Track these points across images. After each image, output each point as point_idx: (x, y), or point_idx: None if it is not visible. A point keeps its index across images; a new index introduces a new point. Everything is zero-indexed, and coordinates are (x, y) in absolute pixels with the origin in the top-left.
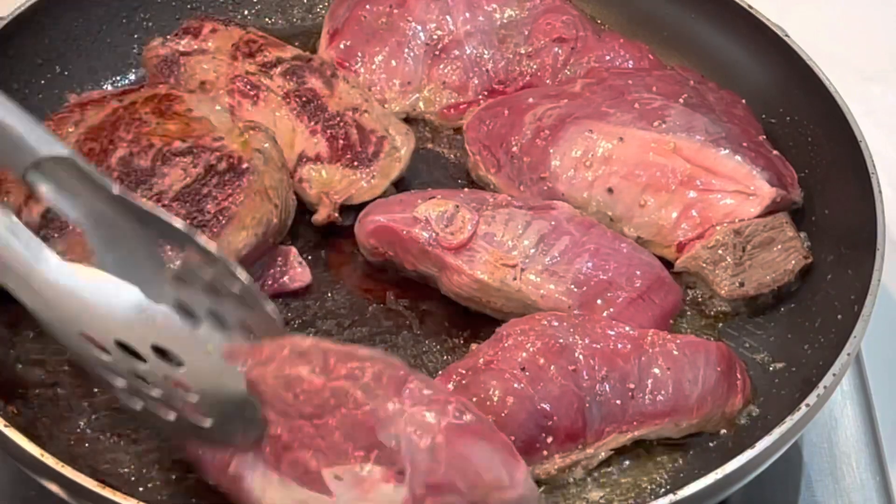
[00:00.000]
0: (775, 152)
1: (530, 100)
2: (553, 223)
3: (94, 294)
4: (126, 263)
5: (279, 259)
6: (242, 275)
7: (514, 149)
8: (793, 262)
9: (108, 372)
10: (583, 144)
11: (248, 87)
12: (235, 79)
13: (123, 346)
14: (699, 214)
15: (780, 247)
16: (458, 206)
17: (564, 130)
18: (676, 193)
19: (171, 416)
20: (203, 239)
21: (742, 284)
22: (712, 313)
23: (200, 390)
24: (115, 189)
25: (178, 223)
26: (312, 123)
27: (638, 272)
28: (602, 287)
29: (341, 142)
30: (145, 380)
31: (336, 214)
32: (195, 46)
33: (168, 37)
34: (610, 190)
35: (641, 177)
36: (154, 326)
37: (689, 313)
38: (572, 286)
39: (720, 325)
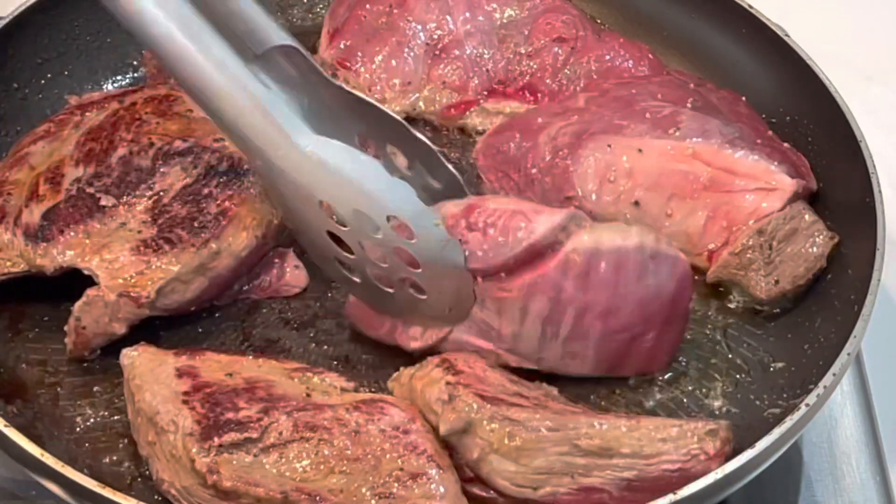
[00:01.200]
0: (786, 144)
1: (539, 119)
2: (549, 296)
3: (343, 164)
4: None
5: (276, 261)
6: (448, 165)
7: (534, 171)
8: (820, 246)
9: (337, 246)
10: (603, 160)
11: None
12: None
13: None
14: (725, 217)
15: (804, 234)
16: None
17: (583, 147)
18: (701, 198)
19: (390, 291)
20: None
21: (778, 282)
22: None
23: (425, 263)
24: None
25: (387, 109)
26: None
27: (654, 303)
28: (626, 343)
29: None
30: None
31: None
32: None
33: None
34: (636, 203)
35: (665, 186)
36: (393, 198)
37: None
38: (596, 361)
39: (721, 324)
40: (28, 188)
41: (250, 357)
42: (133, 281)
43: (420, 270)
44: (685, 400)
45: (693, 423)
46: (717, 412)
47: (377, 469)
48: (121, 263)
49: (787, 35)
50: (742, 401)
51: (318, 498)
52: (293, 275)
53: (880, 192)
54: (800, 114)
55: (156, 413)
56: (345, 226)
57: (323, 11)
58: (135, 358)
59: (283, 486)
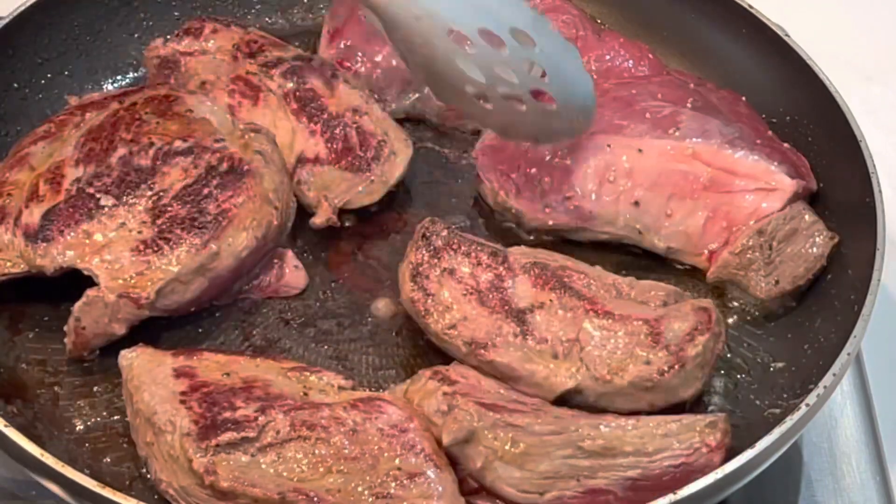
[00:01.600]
0: (786, 144)
1: None
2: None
3: None
4: None
5: (276, 262)
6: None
7: (533, 170)
8: (820, 246)
9: (470, 73)
10: (603, 159)
11: (249, 87)
12: (236, 79)
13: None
14: (725, 217)
15: (804, 234)
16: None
17: (582, 147)
18: (701, 198)
19: (522, 108)
20: None
21: (777, 282)
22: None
23: (550, 69)
24: None
25: None
26: (312, 124)
27: None
28: None
29: (340, 144)
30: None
31: (335, 218)
32: (196, 47)
33: (169, 37)
34: (636, 203)
35: (665, 186)
36: (510, 10)
37: None
38: None
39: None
40: (28, 188)
41: (248, 356)
42: (133, 282)
43: (547, 80)
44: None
45: (692, 417)
46: (716, 412)
47: (375, 468)
48: (121, 264)
49: (787, 35)
50: (742, 401)
51: (315, 498)
52: (293, 275)
53: (880, 192)
54: (800, 114)
55: (153, 413)
56: (473, 50)
57: (323, 11)
58: (133, 359)
59: (281, 487)
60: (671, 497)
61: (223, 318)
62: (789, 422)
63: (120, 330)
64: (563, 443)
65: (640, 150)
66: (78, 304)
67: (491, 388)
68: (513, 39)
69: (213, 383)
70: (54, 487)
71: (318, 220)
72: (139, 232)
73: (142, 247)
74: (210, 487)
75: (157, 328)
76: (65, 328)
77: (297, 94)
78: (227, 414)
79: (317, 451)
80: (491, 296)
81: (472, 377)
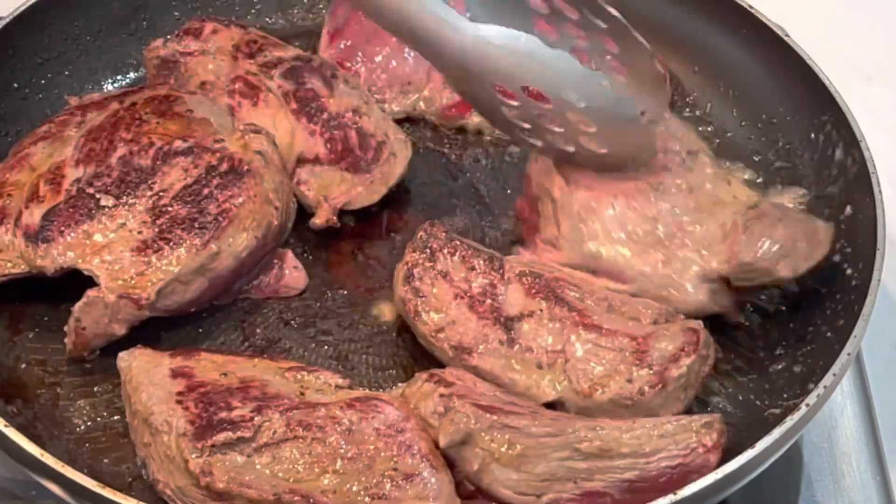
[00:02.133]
0: None
1: None
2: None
3: (502, 45)
4: (498, 11)
5: (276, 262)
6: (611, 9)
7: None
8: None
9: (515, 118)
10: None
11: (248, 87)
12: (236, 79)
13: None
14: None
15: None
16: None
17: None
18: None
19: (571, 148)
20: None
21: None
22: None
23: (598, 120)
24: None
25: None
26: (311, 124)
27: None
28: None
29: (340, 144)
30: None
31: (335, 219)
32: (196, 47)
33: (169, 37)
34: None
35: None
36: (556, 70)
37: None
38: None
39: (721, 326)
40: (28, 189)
41: (246, 357)
42: (133, 282)
43: (594, 130)
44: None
45: (688, 418)
46: (716, 412)
47: (371, 468)
48: (121, 264)
49: (787, 35)
50: (742, 401)
51: (310, 499)
52: (292, 276)
53: (880, 192)
54: (800, 114)
55: (150, 414)
56: (516, 102)
57: (323, 11)
58: (131, 361)
59: (276, 488)
60: (671, 497)
61: (223, 318)
62: (789, 422)
63: (120, 330)
64: (559, 445)
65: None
66: (78, 305)
67: (487, 391)
68: (559, 97)
69: (210, 383)
70: (54, 487)
71: (318, 220)
72: (139, 232)
73: (142, 247)
74: (206, 488)
75: (157, 328)
76: (65, 328)
77: (297, 94)
78: (224, 414)
79: (312, 451)
80: (481, 301)
81: (468, 380)
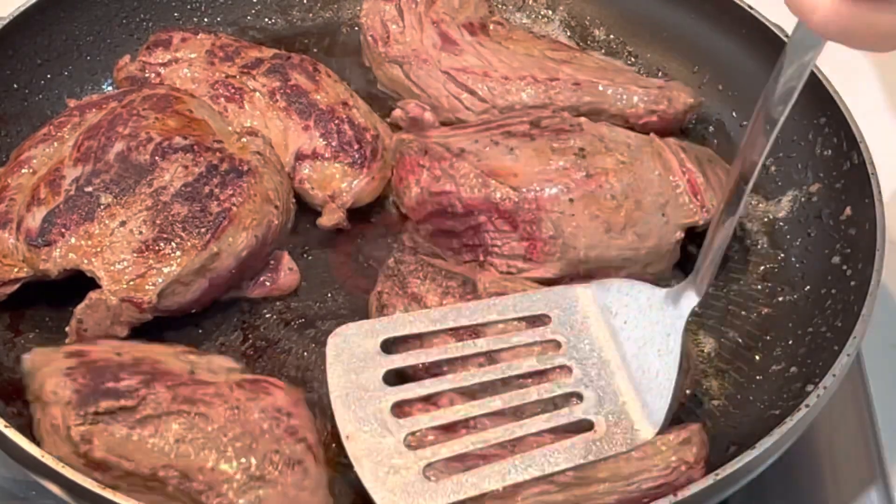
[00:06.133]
0: None
1: None
2: None
3: None
4: None
5: (272, 263)
6: None
7: None
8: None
9: None
10: None
11: (231, 90)
12: (216, 84)
13: None
14: None
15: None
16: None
17: None
18: None
19: None
20: None
21: None
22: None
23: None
24: None
25: None
26: (304, 120)
27: None
28: None
29: (336, 138)
30: None
31: (344, 218)
32: (168, 57)
33: (139, 50)
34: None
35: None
36: None
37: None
38: None
39: (721, 326)
40: (29, 192)
41: (143, 341)
42: (135, 284)
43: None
44: (685, 402)
45: (665, 437)
46: (716, 412)
47: (253, 450)
48: (122, 266)
49: (787, 35)
50: (742, 401)
51: (187, 476)
52: (287, 278)
53: (880, 192)
54: (800, 114)
55: (42, 389)
56: None
57: (323, 12)
58: (31, 359)
59: (154, 463)
60: (671, 497)
61: (223, 319)
62: (789, 422)
63: (122, 332)
64: (533, 480)
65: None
66: (80, 307)
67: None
68: None
69: (102, 360)
70: (54, 488)
71: (326, 221)
72: (140, 232)
73: (143, 248)
74: (84, 457)
75: (157, 329)
76: (66, 329)
77: (284, 91)
78: (111, 384)
79: (195, 427)
80: None
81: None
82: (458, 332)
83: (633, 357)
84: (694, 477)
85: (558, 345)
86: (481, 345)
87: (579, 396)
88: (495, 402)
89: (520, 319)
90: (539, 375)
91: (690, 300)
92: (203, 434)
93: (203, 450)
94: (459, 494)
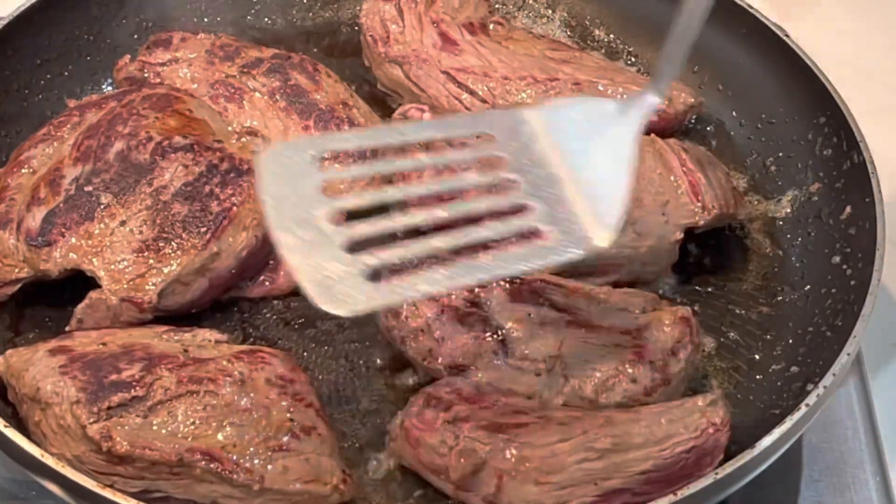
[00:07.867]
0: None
1: None
2: None
3: None
4: None
5: (271, 263)
6: None
7: None
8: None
9: None
10: None
11: (231, 90)
12: (216, 84)
13: None
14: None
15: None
16: None
17: None
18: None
19: None
20: None
21: None
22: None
23: None
24: None
25: None
26: (304, 119)
27: None
28: None
29: None
30: None
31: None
32: (168, 57)
33: (139, 50)
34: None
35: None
36: None
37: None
38: None
39: (721, 325)
40: (29, 192)
41: (118, 327)
42: (135, 283)
43: None
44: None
45: (691, 400)
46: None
47: (267, 420)
48: (123, 265)
49: (787, 35)
50: (742, 401)
51: (211, 455)
52: (286, 277)
53: (880, 192)
54: (800, 114)
55: (37, 390)
56: None
57: (323, 12)
58: (5, 361)
59: (177, 447)
60: (671, 497)
61: (223, 319)
62: (789, 422)
63: None
64: (572, 448)
65: None
66: (81, 306)
67: (489, 401)
68: None
69: (91, 353)
70: (54, 488)
71: None
72: (140, 231)
73: (143, 248)
74: (107, 453)
75: None
76: (66, 329)
77: (284, 91)
78: (114, 376)
79: (207, 405)
80: (468, 313)
81: (465, 389)
82: (401, 150)
83: (582, 169)
84: (721, 441)
85: (504, 162)
86: (423, 160)
87: (529, 209)
88: (439, 213)
89: (463, 138)
90: (485, 189)
91: (647, 105)
92: (216, 411)
93: (221, 427)
94: (403, 295)
